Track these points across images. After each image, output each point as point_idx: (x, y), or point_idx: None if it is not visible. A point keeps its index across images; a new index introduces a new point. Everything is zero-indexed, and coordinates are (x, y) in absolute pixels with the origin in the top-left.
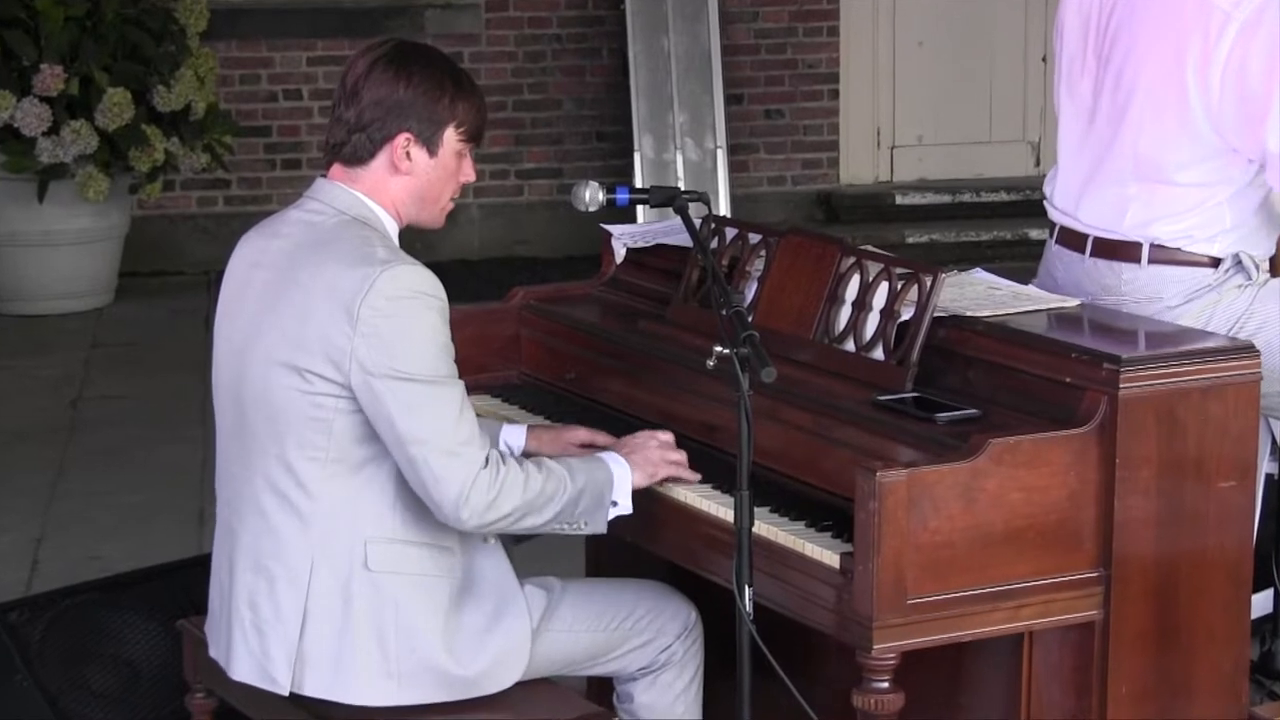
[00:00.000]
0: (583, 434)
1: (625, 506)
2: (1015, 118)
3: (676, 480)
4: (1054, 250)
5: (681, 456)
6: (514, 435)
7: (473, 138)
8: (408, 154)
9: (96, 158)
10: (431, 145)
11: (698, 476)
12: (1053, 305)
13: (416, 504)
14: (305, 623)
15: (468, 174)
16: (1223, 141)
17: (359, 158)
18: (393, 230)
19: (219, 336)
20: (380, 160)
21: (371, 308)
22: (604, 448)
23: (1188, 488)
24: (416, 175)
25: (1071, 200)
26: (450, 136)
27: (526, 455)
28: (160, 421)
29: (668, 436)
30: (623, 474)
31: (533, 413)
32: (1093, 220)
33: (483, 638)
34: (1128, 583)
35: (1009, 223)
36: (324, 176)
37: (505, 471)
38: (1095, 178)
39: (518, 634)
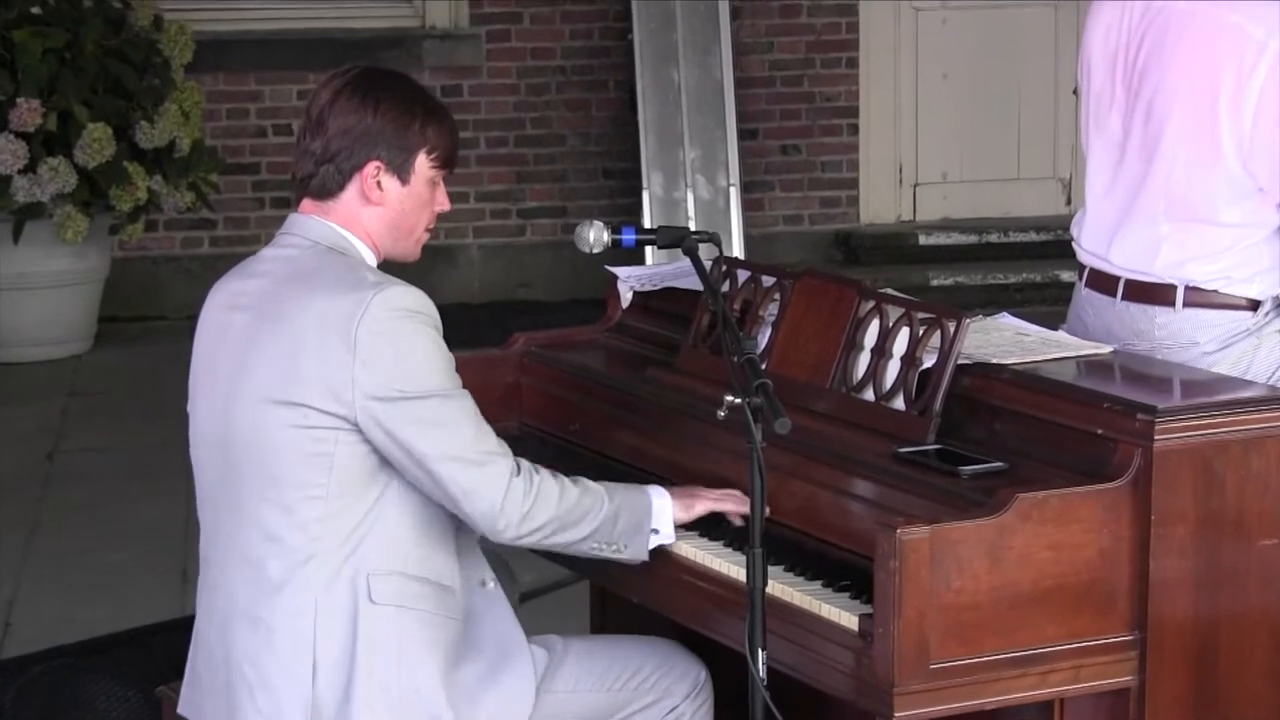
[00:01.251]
0: None
1: (668, 535)
2: (1045, 153)
3: (722, 513)
4: (1084, 294)
5: (725, 493)
6: None
7: (445, 164)
8: (378, 183)
9: (75, 196)
10: (403, 173)
11: (746, 507)
12: (1084, 352)
13: (418, 538)
14: (316, 671)
15: (442, 203)
16: (1252, 181)
17: (328, 190)
18: (372, 261)
19: (196, 389)
20: (350, 191)
21: (369, 331)
22: None
23: (1227, 546)
24: (389, 205)
25: (1101, 241)
26: (422, 164)
27: None
28: (141, 475)
29: (724, 493)
30: (663, 504)
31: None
32: (1124, 262)
33: (480, 693)
34: (1164, 647)
35: (1038, 264)
36: (295, 212)
37: (540, 480)
38: (1126, 217)
39: (519, 693)
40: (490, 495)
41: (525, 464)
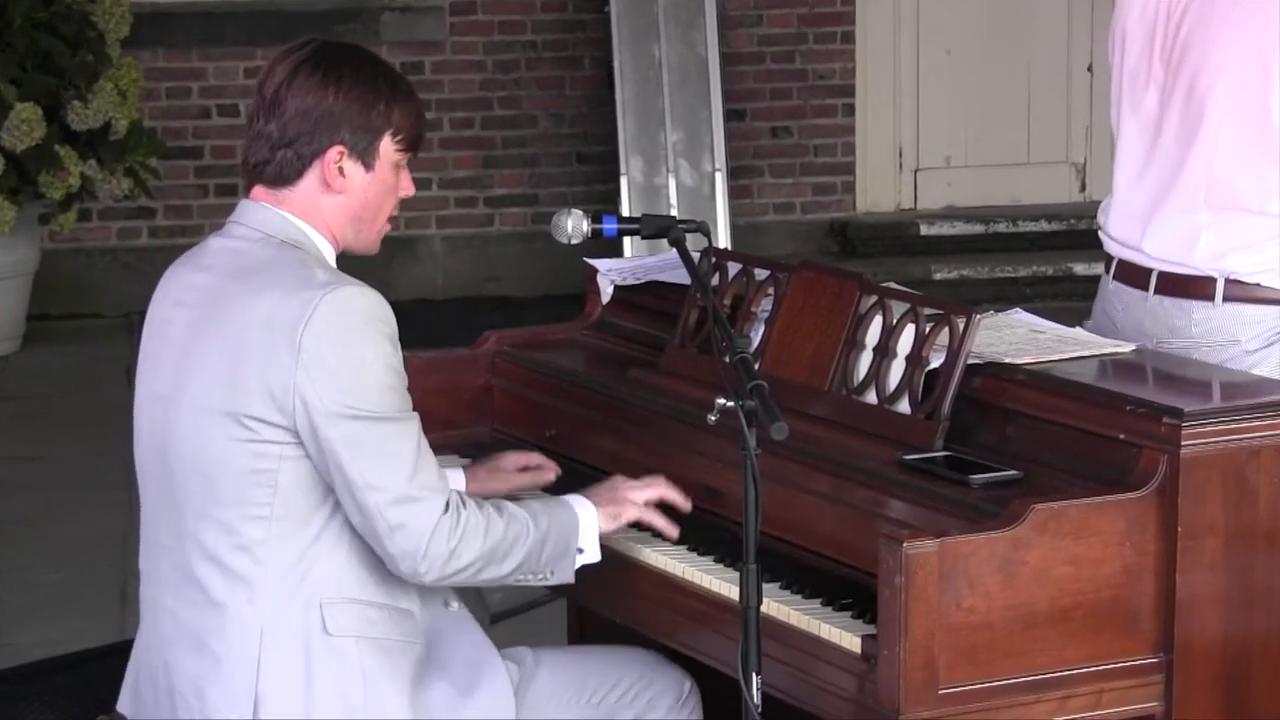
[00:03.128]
0: (514, 457)
1: (593, 554)
2: (1057, 136)
3: (649, 526)
4: (1111, 287)
5: (657, 493)
6: (453, 479)
7: (411, 147)
8: (341, 170)
9: (1, 183)
10: (367, 158)
11: (676, 528)
12: (1104, 350)
13: (373, 561)
14: (258, 706)
15: (407, 188)
16: None
17: (285, 177)
18: (330, 255)
19: (140, 389)
20: (310, 179)
21: (316, 335)
22: (537, 467)
23: (1260, 561)
24: (352, 194)
25: (1133, 229)
26: (387, 147)
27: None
28: (75, 486)
29: (648, 481)
30: (588, 518)
31: None
32: (1158, 252)
33: (452, 713)
34: (1192, 670)
35: (1050, 256)
36: (246, 199)
37: (465, 517)
38: (1162, 204)
39: (498, 708)
40: (416, 534)
41: (454, 498)
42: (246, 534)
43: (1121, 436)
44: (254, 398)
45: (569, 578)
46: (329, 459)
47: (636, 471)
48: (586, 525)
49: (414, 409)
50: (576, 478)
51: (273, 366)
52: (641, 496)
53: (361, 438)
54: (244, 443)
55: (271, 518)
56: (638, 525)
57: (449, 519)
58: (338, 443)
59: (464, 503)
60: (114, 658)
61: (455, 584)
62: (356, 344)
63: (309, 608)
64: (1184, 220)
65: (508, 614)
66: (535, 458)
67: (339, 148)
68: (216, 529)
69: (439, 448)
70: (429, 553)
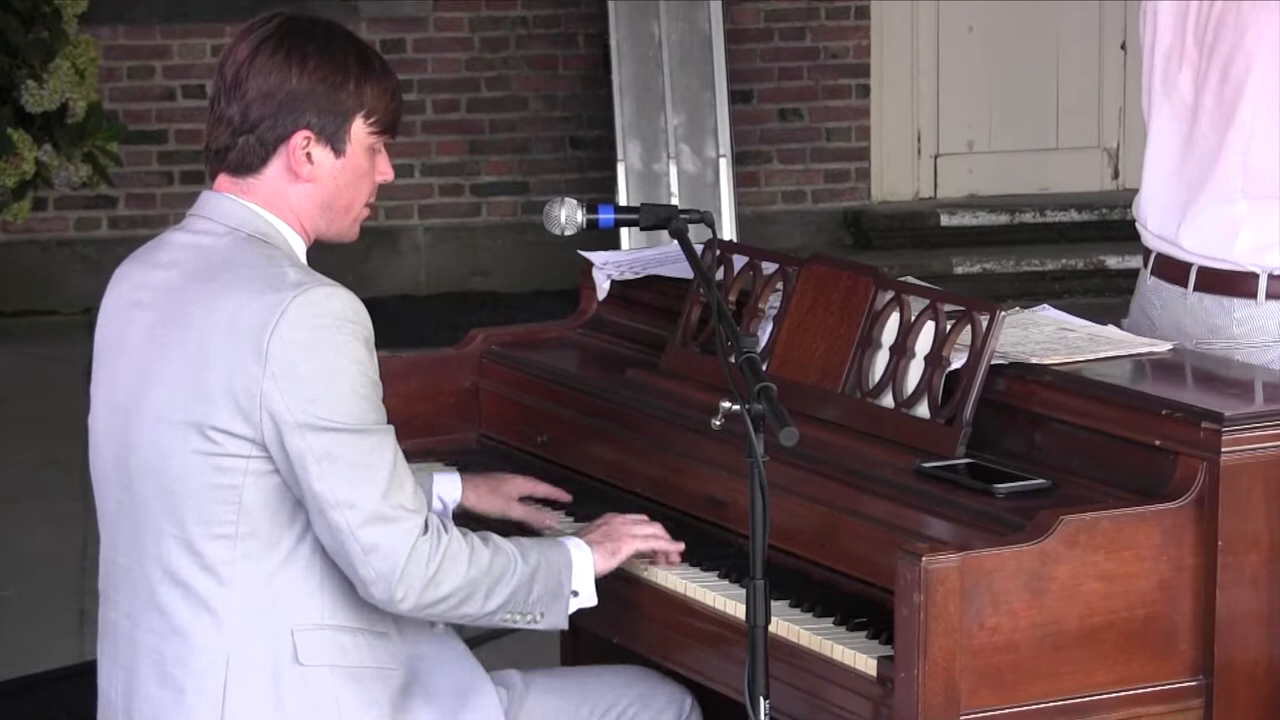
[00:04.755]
0: (522, 483)
1: (588, 597)
2: (1088, 119)
3: (649, 556)
4: (1149, 283)
5: (654, 530)
6: (448, 486)
7: (387, 129)
8: (308, 156)
9: None
10: (336, 143)
11: (679, 547)
12: (1139, 350)
13: (346, 581)
14: None
15: (385, 173)
16: None
17: (248, 165)
18: (299, 248)
19: (96, 397)
20: (275, 166)
21: (284, 340)
22: (544, 501)
23: None
24: (321, 182)
25: (1169, 222)
26: (359, 130)
27: (467, 513)
28: (30, 497)
29: (637, 515)
30: (583, 558)
31: None
32: (1196, 246)
33: None
34: (1233, 694)
35: (1081, 248)
36: (210, 189)
37: (447, 541)
38: (1198, 194)
39: None
40: (392, 556)
41: (434, 520)
42: (211, 554)
43: (1157, 443)
44: (218, 408)
45: (561, 623)
46: (298, 474)
47: (636, 480)
48: (581, 565)
49: (393, 415)
50: (571, 488)
51: (238, 374)
52: (640, 531)
53: (333, 451)
54: (207, 456)
55: (237, 536)
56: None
57: (428, 542)
58: (307, 456)
59: (445, 526)
60: (72, 680)
61: (434, 616)
62: (328, 350)
63: (279, 635)
64: (1222, 212)
65: (495, 634)
66: (543, 489)
67: (305, 132)
68: (180, 549)
69: (422, 455)
70: (406, 576)
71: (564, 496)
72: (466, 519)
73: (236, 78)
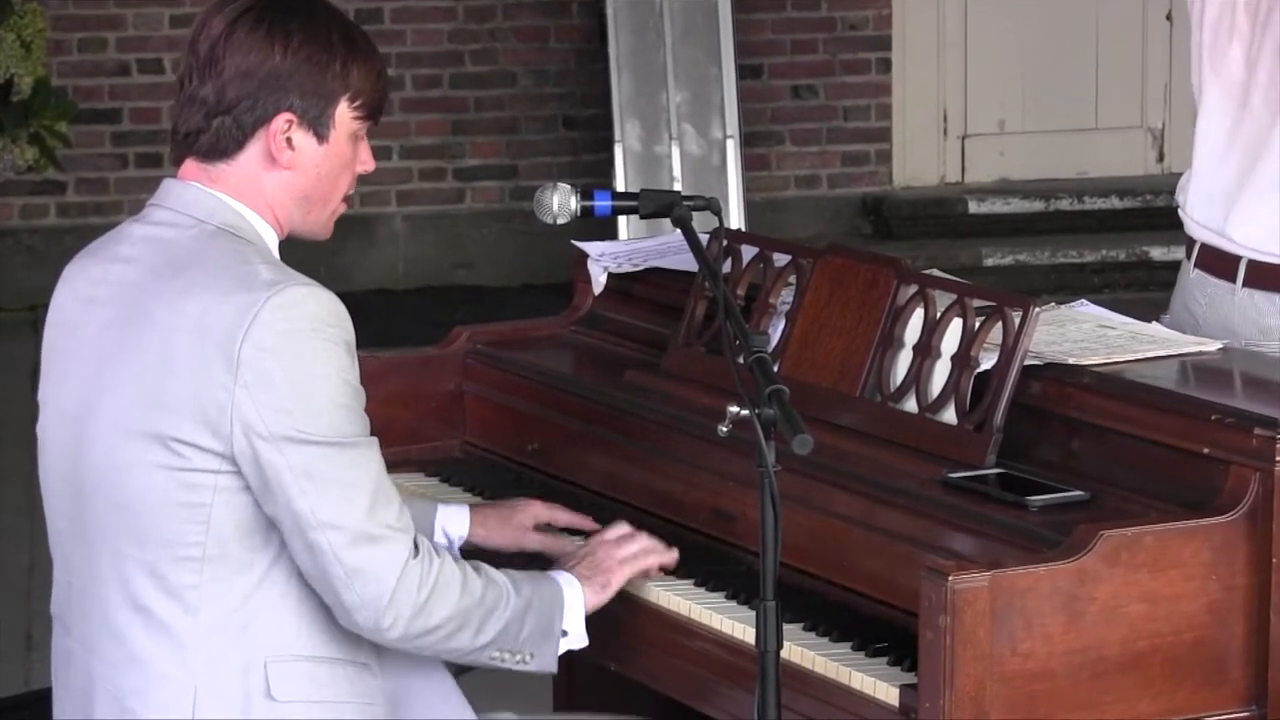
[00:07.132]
0: (539, 510)
1: (577, 638)
2: (1130, 97)
3: (642, 576)
4: (1193, 277)
5: (642, 545)
6: (454, 520)
7: (371, 114)
8: (289, 141)
9: None
10: (320, 127)
11: (674, 555)
12: (1186, 350)
13: (325, 608)
14: None
15: (366, 162)
16: None
17: (222, 150)
18: (273, 242)
19: (45, 405)
20: (251, 152)
21: (256, 347)
22: (563, 529)
23: None
24: (301, 169)
25: (1216, 211)
26: (343, 114)
27: (477, 549)
28: None
29: (620, 530)
30: (574, 595)
31: (479, 496)
32: (1246, 238)
33: None
34: None
35: (1122, 238)
36: (174, 177)
37: (439, 566)
38: (1248, 180)
39: None
40: (380, 581)
41: (424, 543)
42: (175, 578)
43: (1206, 451)
44: (183, 418)
45: (550, 666)
46: (274, 492)
47: (634, 491)
48: (571, 603)
49: (370, 421)
50: (563, 500)
51: (205, 383)
52: (628, 552)
53: (312, 467)
54: (171, 470)
55: (205, 559)
56: None
57: (418, 565)
58: (284, 473)
59: (436, 550)
60: (20, 711)
61: (421, 649)
62: (305, 356)
63: (250, 667)
64: (1275, 200)
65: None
66: (564, 518)
67: (287, 115)
68: (139, 571)
69: (401, 464)
70: (395, 602)
71: (590, 525)
72: (474, 556)
73: (211, 55)
